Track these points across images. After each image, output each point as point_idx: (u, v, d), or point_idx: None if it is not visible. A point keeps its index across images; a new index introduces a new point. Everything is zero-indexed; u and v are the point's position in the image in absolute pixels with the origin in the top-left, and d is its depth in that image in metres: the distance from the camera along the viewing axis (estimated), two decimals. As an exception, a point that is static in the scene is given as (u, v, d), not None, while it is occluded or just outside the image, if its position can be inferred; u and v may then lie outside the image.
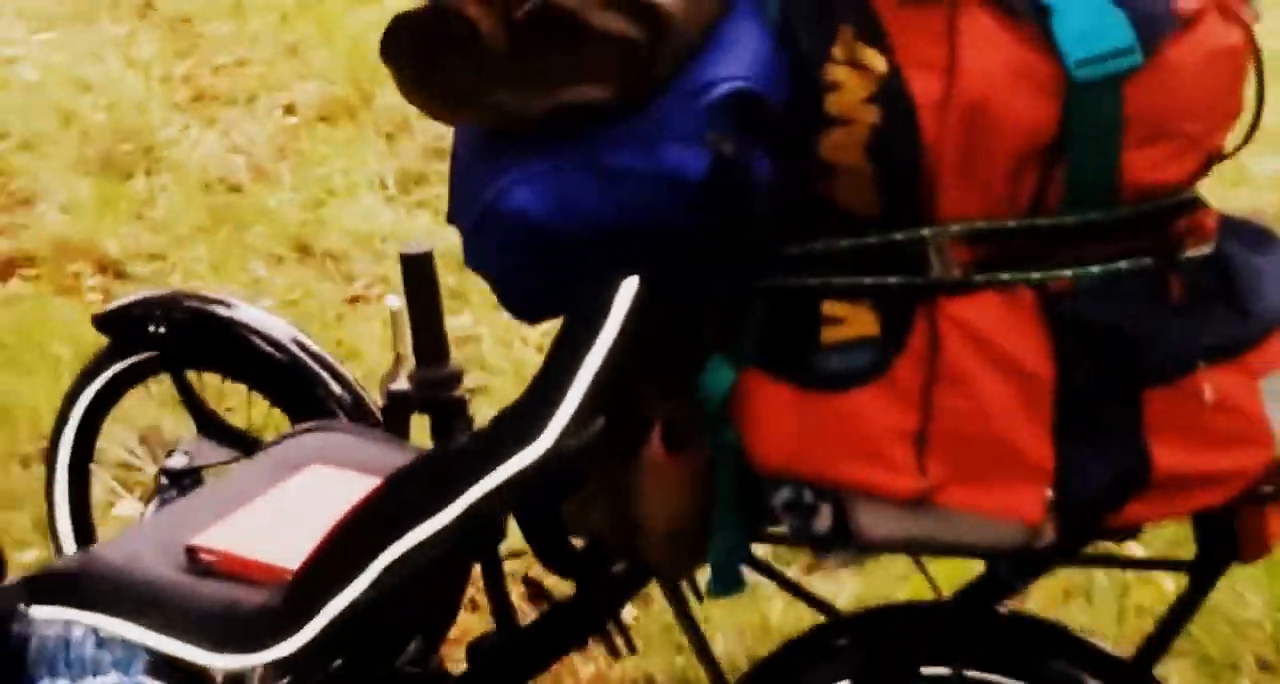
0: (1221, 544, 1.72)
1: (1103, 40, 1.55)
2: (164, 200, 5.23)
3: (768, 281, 1.68)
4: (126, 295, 2.97)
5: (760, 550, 1.92)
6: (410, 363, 2.50)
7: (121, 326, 2.85)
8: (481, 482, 1.80)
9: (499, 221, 1.61)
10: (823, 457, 1.66)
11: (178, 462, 2.72)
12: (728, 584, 1.80)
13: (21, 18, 6.56)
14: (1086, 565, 1.92)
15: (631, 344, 1.73)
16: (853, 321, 1.64)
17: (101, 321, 2.88)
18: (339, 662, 2.14)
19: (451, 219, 1.71)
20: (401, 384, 2.48)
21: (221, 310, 2.80)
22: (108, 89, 5.97)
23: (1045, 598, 2.86)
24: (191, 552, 2.13)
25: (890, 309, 1.63)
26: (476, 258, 1.66)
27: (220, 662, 2.00)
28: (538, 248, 1.61)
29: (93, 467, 3.04)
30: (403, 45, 1.64)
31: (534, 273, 1.65)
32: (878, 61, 1.59)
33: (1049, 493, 1.60)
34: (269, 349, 2.73)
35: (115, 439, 3.20)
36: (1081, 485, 1.60)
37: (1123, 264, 1.61)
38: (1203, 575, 1.77)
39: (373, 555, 1.87)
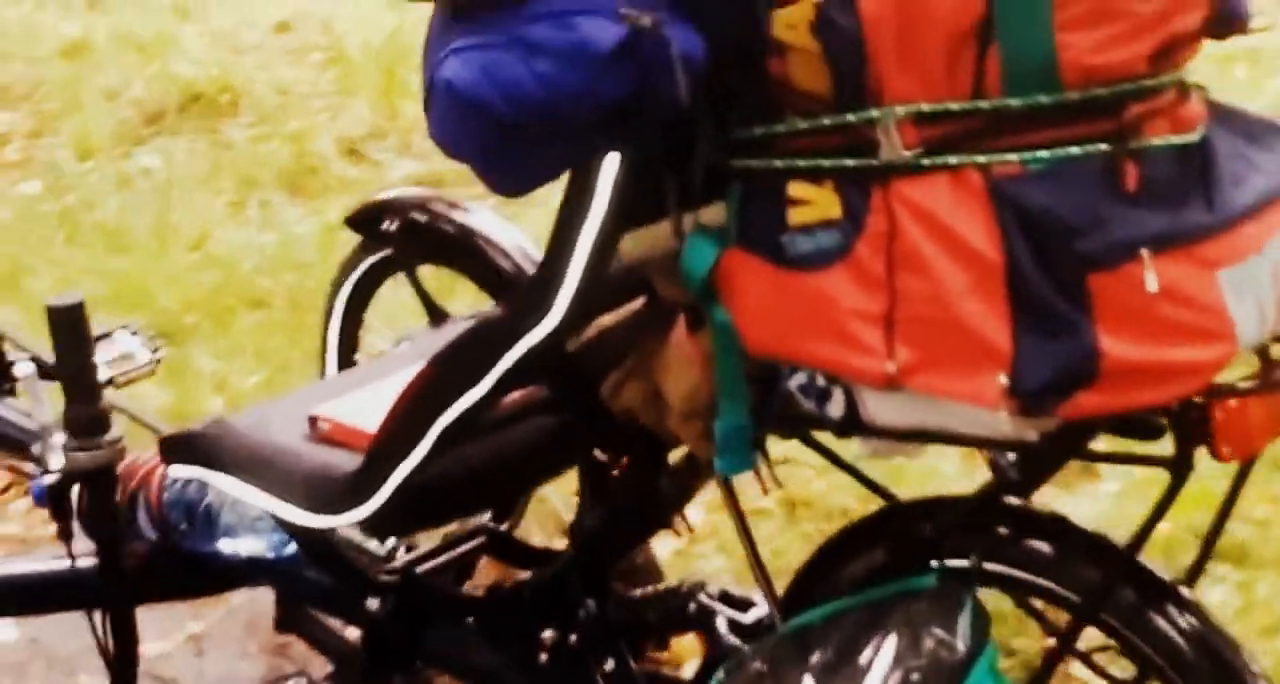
0: (1197, 440, 1.67)
1: None
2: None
3: (740, 162, 1.71)
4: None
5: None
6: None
7: (366, 225, 2.99)
8: (507, 355, 1.88)
9: (436, 94, 1.68)
10: (800, 337, 1.69)
11: (403, 350, 2.80)
12: (732, 462, 1.82)
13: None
14: (1081, 459, 1.85)
15: (624, 218, 1.77)
16: (818, 203, 1.66)
17: (350, 220, 3.03)
18: None
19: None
20: None
21: (457, 214, 2.91)
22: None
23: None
24: (312, 420, 2.26)
25: (850, 192, 1.64)
26: (432, 131, 1.73)
27: (308, 521, 2.12)
28: (482, 122, 1.67)
29: (357, 358, 3.18)
30: None
31: (489, 148, 1.71)
32: None
33: (1004, 379, 1.58)
34: (492, 252, 2.84)
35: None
36: (1032, 372, 1.57)
37: (1073, 150, 1.58)
38: (1179, 472, 1.71)
39: (428, 425, 1.96)
